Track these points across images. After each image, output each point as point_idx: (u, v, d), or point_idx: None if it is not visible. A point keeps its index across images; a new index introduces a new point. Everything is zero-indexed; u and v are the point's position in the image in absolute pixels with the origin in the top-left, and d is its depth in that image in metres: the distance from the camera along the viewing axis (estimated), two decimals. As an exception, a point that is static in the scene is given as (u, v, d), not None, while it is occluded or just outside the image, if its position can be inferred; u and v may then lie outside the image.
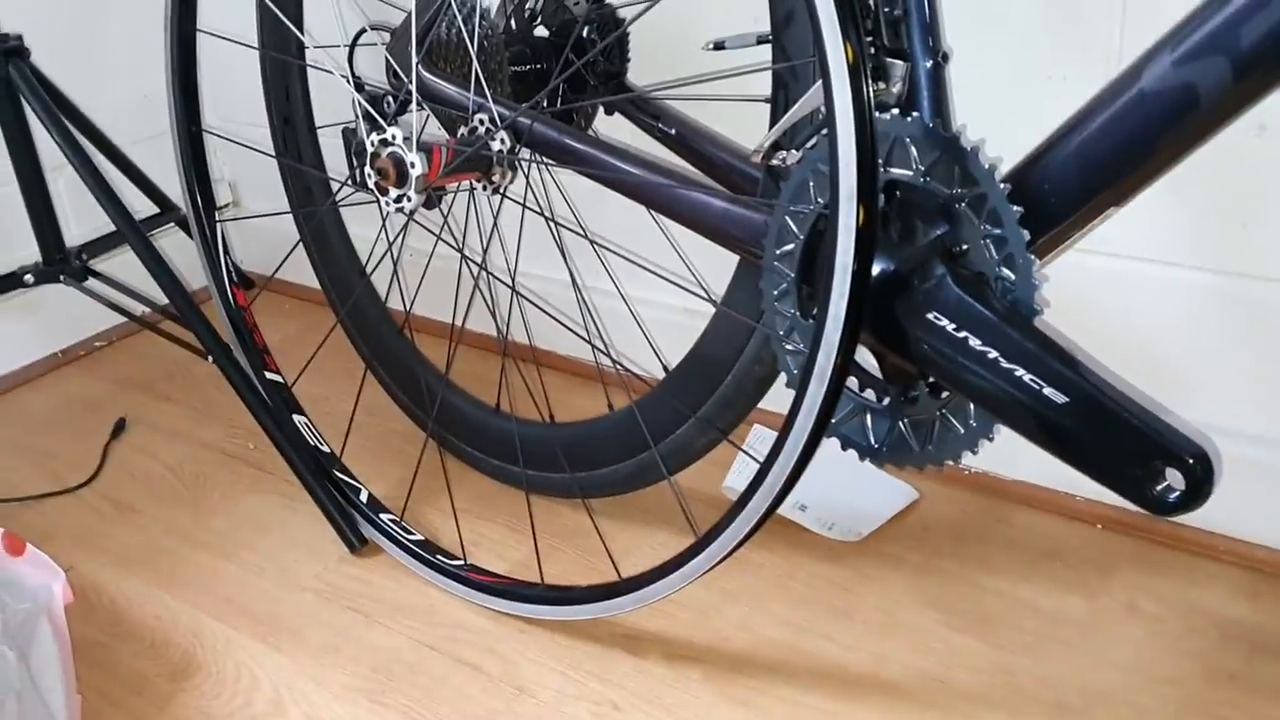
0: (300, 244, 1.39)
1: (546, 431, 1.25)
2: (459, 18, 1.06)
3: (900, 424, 0.86)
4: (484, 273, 1.15)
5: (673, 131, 1.09)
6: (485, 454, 1.30)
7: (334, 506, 1.21)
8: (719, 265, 1.05)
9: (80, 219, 1.57)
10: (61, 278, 1.44)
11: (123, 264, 1.46)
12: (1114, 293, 1.09)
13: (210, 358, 1.27)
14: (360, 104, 1.07)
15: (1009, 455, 1.18)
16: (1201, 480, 0.69)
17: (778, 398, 0.99)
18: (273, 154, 1.36)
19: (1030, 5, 1.04)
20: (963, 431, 0.82)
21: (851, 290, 0.76)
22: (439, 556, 1.15)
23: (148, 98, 1.70)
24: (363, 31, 1.13)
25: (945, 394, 0.83)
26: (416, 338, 1.36)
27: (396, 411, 1.39)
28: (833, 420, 0.84)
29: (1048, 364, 0.74)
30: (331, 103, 1.24)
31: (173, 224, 1.57)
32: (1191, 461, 0.70)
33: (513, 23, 1.15)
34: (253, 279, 1.81)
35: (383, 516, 1.20)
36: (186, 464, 1.41)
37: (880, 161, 0.80)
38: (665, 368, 1.14)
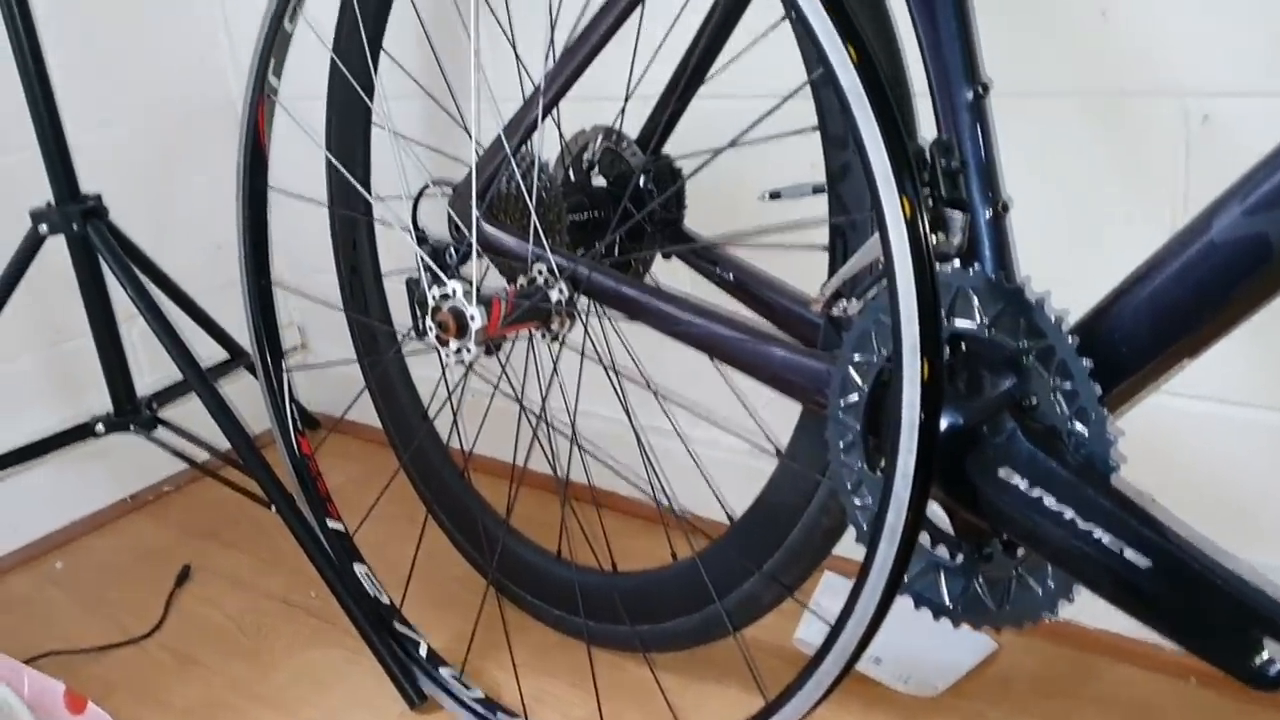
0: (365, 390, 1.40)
1: (607, 581, 1.22)
2: (518, 173, 1.07)
3: (975, 582, 0.83)
4: (542, 423, 1.14)
5: (730, 277, 1.09)
6: (546, 603, 1.28)
7: (394, 661, 1.19)
8: (785, 409, 1.02)
9: (153, 365, 1.60)
10: (132, 427, 1.47)
11: (192, 409, 1.48)
12: (1195, 435, 1.05)
13: (274, 507, 1.27)
14: (422, 258, 1.08)
15: (1091, 603, 1.13)
16: (1304, 652, 0.65)
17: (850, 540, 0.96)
18: (339, 306, 1.38)
19: (1092, 149, 1.03)
20: (1040, 592, 0.78)
21: (919, 445, 0.74)
22: (500, 715, 1.12)
23: (220, 247, 1.75)
24: (426, 187, 1.15)
25: (1021, 552, 0.79)
26: (478, 478, 1.35)
27: (457, 557, 1.38)
28: (905, 578, 0.81)
29: (1127, 524, 0.70)
30: (398, 249, 1.26)
31: (243, 368, 1.60)
32: (1291, 631, 0.65)
33: (571, 173, 1.17)
34: (319, 419, 1.83)
35: (442, 671, 1.18)
36: (249, 614, 1.40)
37: (944, 313, 0.79)
38: (730, 517, 1.12)
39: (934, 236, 0.81)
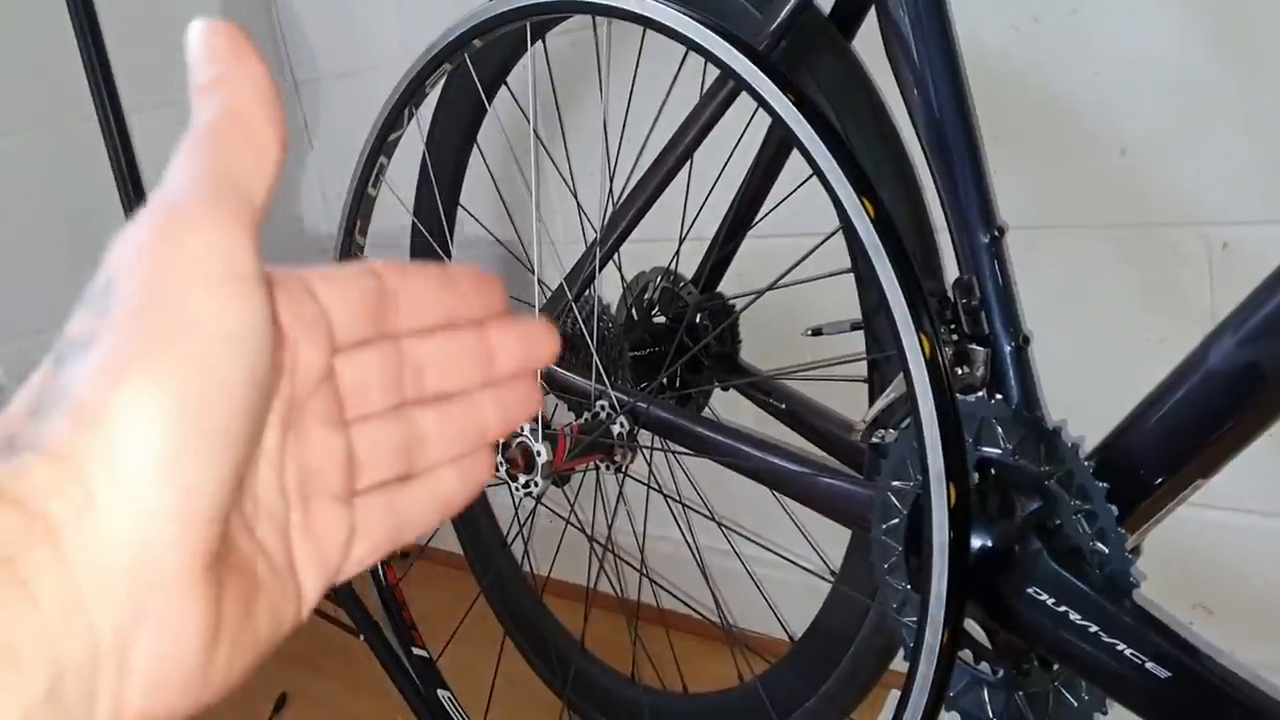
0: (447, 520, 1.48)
1: (674, 703, 1.27)
2: (579, 316, 1.16)
3: (1016, 697, 0.86)
4: (610, 555, 1.21)
5: (784, 406, 1.15)
6: (621, 724, 1.32)
7: (475, 781, 1.24)
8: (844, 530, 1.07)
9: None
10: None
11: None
12: (1234, 547, 1.07)
13: (361, 635, 1.35)
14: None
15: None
16: (1322, 763, 0.68)
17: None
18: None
19: (1122, 275, 1.09)
20: (1076, 705, 0.82)
21: (951, 567, 0.79)
22: (575, 834, 1.16)
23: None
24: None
25: (1056, 667, 0.83)
26: (556, 601, 1.41)
27: (537, 682, 1.43)
28: (951, 694, 0.85)
29: (1147, 638, 0.74)
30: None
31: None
32: (1309, 742, 0.68)
33: (634, 312, 1.25)
34: (409, 548, 1.91)
35: (521, 792, 1.23)
36: (339, 740, 1.47)
37: (971, 441, 0.84)
38: (791, 637, 1.16)
39: (958, 370, 0.87)
